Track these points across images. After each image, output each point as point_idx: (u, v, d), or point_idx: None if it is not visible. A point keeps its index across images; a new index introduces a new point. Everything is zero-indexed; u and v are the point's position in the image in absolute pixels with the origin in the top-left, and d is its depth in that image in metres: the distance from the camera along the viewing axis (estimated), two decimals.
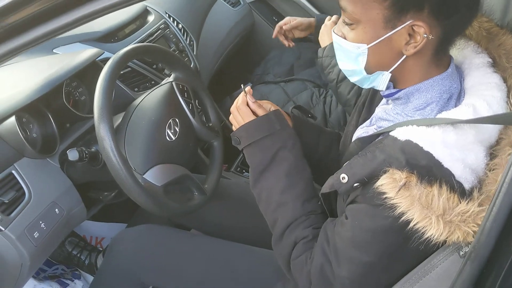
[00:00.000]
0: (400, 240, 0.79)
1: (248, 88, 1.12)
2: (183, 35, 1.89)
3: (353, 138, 1.04)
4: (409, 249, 0.78)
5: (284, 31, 1.67)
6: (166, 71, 1.67)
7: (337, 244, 0.88)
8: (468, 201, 0.75)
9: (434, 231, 0.74)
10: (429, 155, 0.76)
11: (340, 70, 1.38)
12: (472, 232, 0.73)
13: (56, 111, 1.25)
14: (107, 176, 1.07)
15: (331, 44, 1.41)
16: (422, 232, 0.74)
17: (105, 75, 1.07)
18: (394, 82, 0.90)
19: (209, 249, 1.26)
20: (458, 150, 0.77)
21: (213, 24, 2.18)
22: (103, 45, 1.55)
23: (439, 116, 0.82)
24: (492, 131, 0.81)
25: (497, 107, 0.82)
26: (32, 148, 1.14)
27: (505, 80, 0.87)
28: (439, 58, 0.86)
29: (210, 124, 1.37)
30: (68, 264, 1.77)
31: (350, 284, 0.87)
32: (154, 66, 1.65)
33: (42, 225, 1.12)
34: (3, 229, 1.04)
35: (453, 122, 0.78)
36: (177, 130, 1.22)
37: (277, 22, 2.47)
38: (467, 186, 0.77)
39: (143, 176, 1.11)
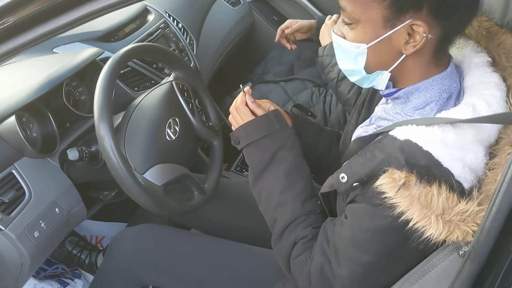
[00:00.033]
0: (400, 240, 0.79)
1: (247, 88, 1.12)
2: (183, 34, 1.89)
3: (353, 138, 1.04)
4: (408, 249, 0.78)
5: (286, 35, 1.68)
6: (166, 71, 1.67)
7: (336, 243, 0.88)
8: (468, 201, 0.75)
9: (433, 230, 0.74)
10: (428, 155, 0.76)
11: (340, 69, 1.39)
12: (472, 232, 0.73)
13: (56, 111, 1.25)
14: (107, 175, 1.07)
15: (332, 43, 1.41)
16: (422, 232, 0.74)
17: (105, 75, 1.07)
18: (394, 81, 0.90)
19: (209, 249, 1.26)
20: (458, 150, 0.77)
21: (213, 24, 2.18)
22: (103, 45, 1.55)
23: (439, 115, 0.82)
24: (491, 130, 0.81)
25: (497, 106, 0.82)
26: (32, 147, 1.14)
27: (504, 79, 0.87)
28: (438, 57, 0.86)
29: (210, 124, 1.37)
30: (68, 264, 1.77)
31: (350, 284, 0.87)
32: (154, 66, 1.65)
33: (42, 224, 1.12)
34: (3, 228, 1.04)
35: (453, 122, 0.78)
36: (177, 129, 1.22)
37: (277, 21, 2.50)
38: (466, 185, 0.77)
39: (143, 176, 1.11)
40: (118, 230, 1.43)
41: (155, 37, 1.73)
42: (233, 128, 1.09)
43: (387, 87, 0.91)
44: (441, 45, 0.84)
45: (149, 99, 1.24)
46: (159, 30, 1.76)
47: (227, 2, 2.38)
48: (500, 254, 0.67)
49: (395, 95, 0.90)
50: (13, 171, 1.12)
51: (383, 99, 1.02)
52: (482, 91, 0.83)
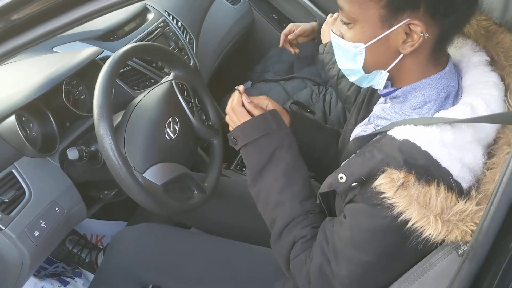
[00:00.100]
0: (399, 240, 0.79)
1: (242, 87, 1.12)
2: (183, 33, 1.89)
3: (352, 137, 1.05)
4: (407, 249, 0.79)
5: (289, 40, 1.68)
6: (166, 70, 1.67)
7: (336, 243, 0.88)
8: (466, 200, 0.75)
9: (432, 230, 0.74)
10: (426, 155, 0.76)
11: None
12: (470, 231, 0.73)
13: (56, 110, 1.25)
14: (107, 175, 1.07)
15: None
16: (420, 232, 0.75)
17: (105, 74, 1.07)
18: (392, 81, 0.90)
19: (209, 248, 1.26)
20: (456, 150, 0.77)
21: (212, 22, 2.18)
22: (102, 44, 1.55)
23: (437, 115, 0.82)
24: (489, 130, 0.81)
25: (495, 105, 0.82)
26: (32, 147, 1.14)
27: (503, 79, 0.87)
28: (436, 57, 0.86)
29: (210, 123, 1.37)
30: (69, 262, 1.78)
31: (349, 283, 0.88)
32: (154, 65, 1.65)
33: (42, 224, 1.12)
34: (4, 228, 1.05)
35: (451, 122, 0.78)
36: (177, 128, 1.22)
37: (277, 19, 2.50)
38: (465, 185, 0.77)
39: (143, 175, 1.11)
40: (118, 229, 1.43)
41: (155, 36, 1.73)
42: (231, 129, 1.09)
43: (385, 87, 0.91)
44: (439, 44, 0.84)
45: (149, 98, 1.24)
46: (159, 29, 1.76)
47: (226, 0, 2.38)
48: (499, 253, 0.67)
49: (393, 94, 0.90)
50: (13, 170, 1.12)
51: (382, 98, 1.02)
52: (480, 90, 0.83)
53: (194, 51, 1.90)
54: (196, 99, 1.36)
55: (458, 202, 0.74)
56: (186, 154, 1.27)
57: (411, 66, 0.86)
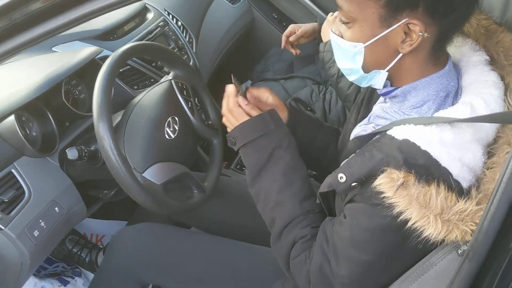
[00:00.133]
0: (399, 239, 0.79)
1: (232, 89, 1.12)
2: (183, 32, 1.89)
3: (351, 136, 1.04)
4: (407, 248, 0.79)
5: (291, 42, 1.69)
6: (166, 69, 1.67)
7: (336, 243, 0.88)
8: (466, 200, 0.75)
9: (432, 230, 0.74)
10: (426, 154, 0.76)
11: None
12: (470, 231, 0.73)
13: (55, 110, 1.25)
14: (107, 174, 1.07)
15: None
16: (420, 231, 0.75)
17: (104, 74, 1.07)
18: (391, 80, 0.90)
19: (209, 247, 1.26)
20: (456, 149, 0.77)
21: (212, 21, 2.18)
22: (102, 43, 1.55)
23: (437, 114, 0.82)
24: (489, 129, 0.81)
25: (495, 105, 0.82)
26: (32, 147, 1.14)
27: (502, 78, 0.87)
28: (436, 56, 0.86)
29: (210, 122, 1.37)
30: (69, 262, 1.78)
31: (350, 283, 0.87)
32: (153, 64, 1.65)
33: (42, 223, 1.12)
34: (3, 228, 1.05)
35: (451, 121, 0.78)
36: (176, 128, 1.22)
37: (277, 19, 2.50)
38: (465, 185, 0.77)
39: (143, 175, 1.11)
40: (118, 228, 1.43)
41: (154, 35, 1.72)
42: (229, 130, 1.09)
43: (384, 86, 0.91)
44: (438, 43, 0.84)
45: (148, 97, 1.24)
46: (158, 28, 1.76)
47: None
48: (499, 253, 0.67)
49: (393, 93, 0.90)
50: (13, 170, 1.12)
51: (381, 98, 1.02)
52: (480, 89, 0.83)
53: (194, 51, 1.90)
54: (196, 99, 1.36)
55: (458, 201, 0.74)
56: (186, 154, 1.27)
57: (410, 65, 0.85)
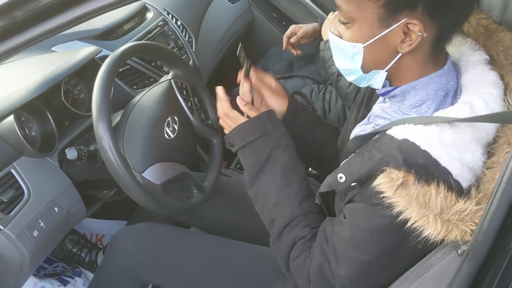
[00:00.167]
0: (398, 239, 0.79)
1: (222, 91, 1.13)
2: (182, 32, 1.89)
3: (351, 136, 1.04)
4: (407, 248, 0.79)
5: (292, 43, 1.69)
6: (165, 69, 1.67)
7: (335, 243, 0.88)
8: (466, 200, 0.75)
9: (431, 230, 0.74)
10: (426, 154, 0.76)
11: None
12: (470, 231, 0.73)
13: (55, 110, 1.25)
14: (106, 174, 1.07)
15: None
16: (420, 231, 0.74)
17: (103, 74, 1.07)
18: (390, 80, 0.90)
19: (208, 247, 1.26)
20: (455, 149, 0.77)
21: (212, 21, 2.17)
22: (101, 43, 1.55)
23: (436, 114, 0.82)
24: (489, 129, 0.81)
25: (494, 104, 0.81)
26: (31, 146, 1.13)
27: (502, 78, 0.87)
28: (435, 56, 0.85)
29: (209, 122, 1.37)
30: (69, 262, 1.78)
31: (349, 283, 0.87)
32: (153, 64, 1.65)
33: (42, 223, 1.12)
34: (3, 228, 1.04)
35: (450, 121, 0.78)
36: (176, 128, 1.22)
37: (277, 18, 2.49)
38: (464, 184, 0.77)
39: (142, 175, 1.11)
40: (118, 228, 1.43)
41: (154, 35, 1.72)
42: (226, 131, 1.10)
43: (383, 86, 0.91)
44: (438, 43, 0.84)
45: (148, 97, 1.24)
46: (158, 28, 1.76)
47: None
48: (499, 253, 0.67)
49: (392, 93, 0.90)
50: (12, 170, 1.12)
51: (381, 98, 1.02)
52: (480, 89, 0.83)
53: (194, 50, 1.89)
54: (196, 98, 1.35)
55: (458, 201, 0.74)
56: (186, 154, 1.27)
57: (410, 65, 0.85)
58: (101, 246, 1.82)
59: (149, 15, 1.80)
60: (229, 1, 2.38)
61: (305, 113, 1.22)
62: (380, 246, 0.83)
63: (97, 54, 1.36)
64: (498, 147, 0.79)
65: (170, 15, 1.88)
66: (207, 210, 1.37)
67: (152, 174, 1.13)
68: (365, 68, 0.88)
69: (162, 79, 1.32)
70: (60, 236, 1.29)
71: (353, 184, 0.82)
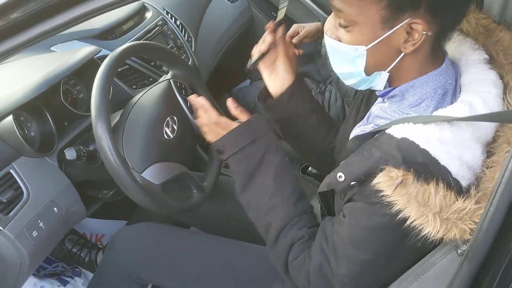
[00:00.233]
0: (398, 238, 0.79)
1: (205, 99, 1.13)
2: (181, 31, 1.89)
3: (350, 137, 1.04)
4: (406, 247, 0.79)
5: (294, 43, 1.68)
6: (164, 68, 1.67)
7: (335, 242, 0.88)
8: (465, 199, 0.75)
9: (431, 228, 0.74)
10: (425, 153, 0.76)
11: None
12: (469, 230, 0.73)
13: (54, 110, 1.25)
14: (106, 174, 1.07)
15: None
16: (419, 230, 0.74)
17: (102, 74, 1.07)
18: (390, 80, 0.89)
19: (208, 247, 1.26)
20: (455, 148, 0.77)
21: (211, 20, 2.17)
22: (100, 43, 1.55)
23: (435, 113, 0.82)
24: (488, 128, 0.81)
25: (493, 103, 0.81)
26: (30, 147, 1.13)
27: (501, 77, 0.87)
28: (435, 55, 0.86)
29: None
30: (68, 262, 1.77)
31: (349, 282, 0.87)
32: (152, 63, 1.65)
33: (41, 224, 1.12)
34: (2, 228, 1.04)
35: (450, 120, 0.78)
36: (175, 128, 1.22)
37: (276, 17, 2.48)
38: (464, 183, 0.77)
39: (141, 175, 1.11)
40: (118, 228, 1.43)
41: (153, 35, 1.72)
42: (212, 140, 1.08)
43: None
44: (437, 42, 0.84)
45: (147, 97, 1.24)
46: (157, 28, 1.76)
47: None
48: (499, 253, 0.67)
49: (391, 93, 0.90)
50: (11, 170, 1.11)
51: (380, 98, 1.01)
52: (479, 88, 0.83)
53: (193, 50, 1.89)
54: None
55: (457, 200, 0.74)
56: (185, 154, 1.27)
57: (410, 65, 0.85)
58: (100, 246, 1.82)
59: (148, 15, 1.80)
60: (228, 1, 2.37)
61: (308, 93, 1.20)
62: (380, 244, 0.83)
63: (96, 54, 1.36)
64: (498, 146, 0.79)
65: (169, 15, 1.88)
66: (207, 210, 1.37)
67: (152, 174, 1.12)
68: (367, 71, 0.87)
69: (161, 79, 1.32)
70: (59, 236, 1.29)
71: (352, 183, 0.82)
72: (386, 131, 0.82)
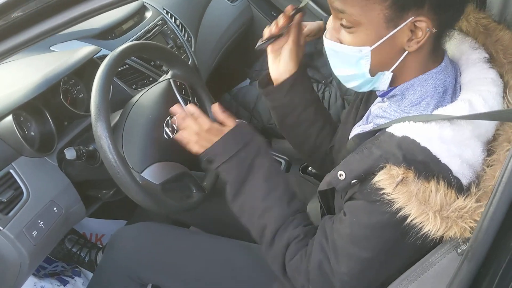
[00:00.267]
0: (398, 235, 0.79)
1: (192, 108, 1.08)
2: (181, 31, 1.88)
3: (350, 136, 1.04)
4: (406, 245, 0.79)
5: None
6: (164, 68, 1.67)
7: (335, 241, 0.88)
8: (466, 197, 0.75)
9: (431, 226, 0.74)
10: (426, 151, 0.76)
11: None
12: (469, 228, 0.73)
13: (53, 109, 1.25)
14: (105, 174, 1.07)
15: None
16: (419, 228, 0.75)
17: (102, 73, 1.07)
18: (391, 80, 0.89)
19: (208, 247, 1.26)
20: (455, 146, 0.77)
21: (211, 20, 2.17)
22: (100, 42, 1.55)
23: (436, 112, 0.82)
24: (488, 125, 0.81)
25: (493, 102, 0.81)
26: (30, 147, 1.13)
27: (501, 76, 0.87)
28: (436, 53, 0.86)
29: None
30: (68, 261, 1.77)
31: (349, 280, 0.87)
32: (152, 63, 1.65)
33: (41, 224, 1.12)
34: (2, 228, 1.04)
35: (450, 118, 0.78)
36: (175, 127, 1.22)
37: (276, 17, 2.47)
38: (464, 181, 0.77)
39: (141, 175, 1.11)
40: (118, 227, 1.43)
41: (153, 34, 1.72)
42: (200, 150, 1.03)
43: None
44: (438, 39, 0.84)
45: (147, 97, 1.24)
46: (157, 27, 1.76)
47: None
48: (499, 252, 0.67)
49: (391, 93, 0.90)
50: (11, 170, 1.12)
51: (379, 98, 1.01)
52: (479, 87, 0.83)
53: (193, 49, 1.89)
54: (195, 98, 1.35)
55: (458, 198, 0.74)
56: (185, 153, 1.26)
57: (412, 63, 0.85)
58: (100, 246, 1.81)
59: (148, 14, 1.80)
60: (228, 0, 2.37)
61: (309, 85, 1.19)
62: (380, 242, 0.83)
63: (96, 54, 1.36)
64: (498, 145, 0.79)
65: (169, 14, 1.88)
66: (207, 210, 1.37)
67: (151, 174, 1.13)
68: (371, 72, 0.86)
69: (161, 79, 1.32)
70: (59, 236, 1.29)
71: (353, 181, 0.82)
72: (387, 129, 0.82)
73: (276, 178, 1.01)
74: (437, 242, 0.78)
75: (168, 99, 1.25)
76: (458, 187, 0.76)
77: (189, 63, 1.81)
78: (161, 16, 1.82)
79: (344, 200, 0.89)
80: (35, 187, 1.14)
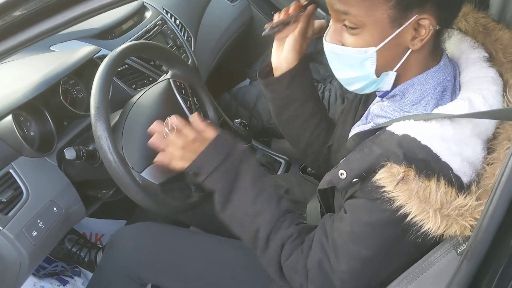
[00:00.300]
0: (398, 234, 0.79)
1: (175, 119, 1.04)
2: (181, 31, 1.89)
3: (350, 135, 1.04)
4: (406, 243, 0.79)
5: None
6: (164, 68, 1.67)
7: (335, 239, 0.88)
8: (466, 195, 0.75)
9: (431, 224, 0.74)
10: (426, 149, 0.76)
11: None
12: (469, 226, 0.73)
13: (53, 109, 1.25)
14: (105, 174, 1.06)
15: None
16: (420, 226, 0.75)
17: (102, 73, 1.07)
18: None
19: (208, 247, 1.26)
20: (456, 144, 0.77)
21: (211, 20, 2.17)
22: (100, 42, 1.55)
23: (436, 111, 0.82)
24: (488, 124, 0.81)
25: (493, 100, 0.82)
26: (30, 146, 1.13)
27: (501, 75, 0.87)
28: (435, 52, 0.86)
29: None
30: (68, 261, 1.77)
31: (349, 278, 0.88)
32: (152, 63, 1.65)
33: (40, 223, 1.12)
34: (1, 228, 1.04)
35: (450, 117, 0.78)
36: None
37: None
38: (465, 179, 0.77)
39: (141, 174, 1.11)
40: (118, 227, 1.43)
41: (153, 34, 1.72)
42: (188, 163, 1.01)
43: None
44: (438, 37, 0.85)
45: (147, 97, 1.24)
46: (157, 27, 1.76)
47: None
48: (498, 251, 0.67)
49: (391, 93, 0.90)
50: (11, 170, 1.11)
51: (378, 98, 1.01)
52: (479, 85, 0.83)
53: (192, 49, 1.89)
54: (195, 97, 1.35)
55: (458, 197, 0.75)
56: None
57: (414, 62, 0.85)
58: (100, 246, 1.81)
59: (148, 14, 1.80)
60: (228, 0, 2.37)
61: (309, 79, 1.19)
62: (380, 240, 0.83)
63: (95, 54, 1.36)
64: (498, 143, 0.80)
65: (169, 14, 1.88)
66: (207, 210, 1.36)
67: (151, 174, 1.12)
68: (376, 72, 0.86)
69: (160, 79, 1.32)
70: (59, 236, 1.29)
71: (354, 180, 0.82)
72: (387, 128, 0.82)
73: (263, 181, 1.00)
74: (437, 241, 0.78)
75: (167, 99, 1.25)
76: (459, 185, 0.76)
77: (188, 63, 1.81)
78: (160, 16, 1.82)
79: (345, 199, 0.89)
80: (34, 187, 1.14)
